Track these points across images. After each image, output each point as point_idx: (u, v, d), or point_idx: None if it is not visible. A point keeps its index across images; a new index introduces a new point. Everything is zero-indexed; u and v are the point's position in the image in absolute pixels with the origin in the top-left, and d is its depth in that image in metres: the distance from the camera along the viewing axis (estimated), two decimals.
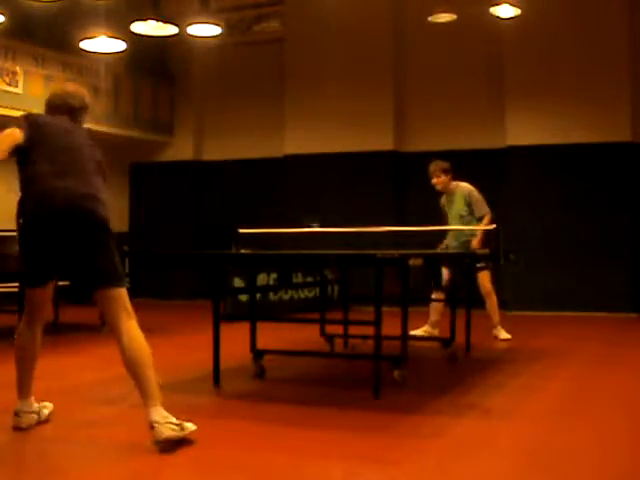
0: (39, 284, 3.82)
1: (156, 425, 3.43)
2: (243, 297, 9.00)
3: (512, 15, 9.51)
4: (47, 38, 10.85)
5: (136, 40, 9.66)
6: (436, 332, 7.51)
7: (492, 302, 7.59)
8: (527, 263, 9.66)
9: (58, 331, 8.07)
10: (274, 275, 10.15)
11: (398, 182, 11.91)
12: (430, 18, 10.22)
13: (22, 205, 3.75)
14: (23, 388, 3.86)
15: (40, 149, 3.72)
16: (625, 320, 10.00)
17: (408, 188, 11.81)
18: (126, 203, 13.73)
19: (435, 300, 7.54)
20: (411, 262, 4.50)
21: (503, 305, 8.42)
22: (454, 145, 11.41)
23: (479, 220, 7.44)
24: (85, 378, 5.54)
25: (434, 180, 7.67)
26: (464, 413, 4.34)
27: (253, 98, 12.87)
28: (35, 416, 3.88)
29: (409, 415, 4.29)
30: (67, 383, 5.26)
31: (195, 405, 4.55)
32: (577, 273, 10.62)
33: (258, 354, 5.48)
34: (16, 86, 10.53)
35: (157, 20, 9.08)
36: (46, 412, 3.97)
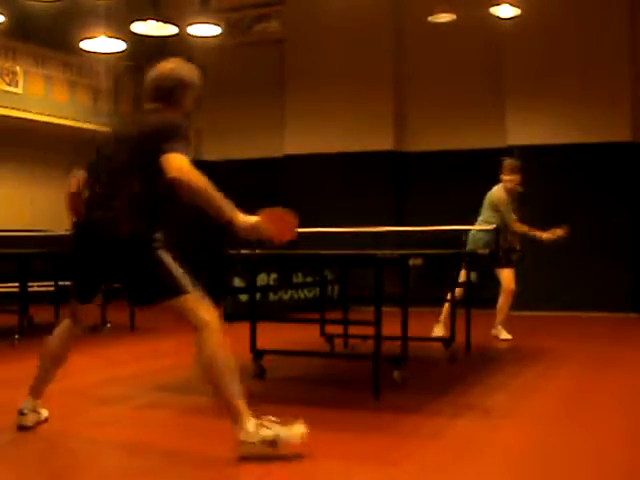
0: (86, 301, 3.75)
1: (240, 445, 3.29)
2: (243, 297, 8.99)
3: (512, 15, 9.52)
4: (47, 38, 10.86)
5: (136, 40, 9.67)
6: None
7: (507, 300, 7.56)
8: (527, 263, 9.65)
9: None
10: (274, 275, 10.15)
11: (398, 182, 11.91)
12: (430, 18, 10.23)
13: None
14: (39, 388, 3.79)
15: (90, 175, 3.70)
16: (625, 320, 10.00)
17: (408, 188, 11.82)
18: None
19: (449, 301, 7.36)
20: (411, 262, 4.50)
21: None
22: (454, 145, 11.43)
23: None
24: (86, 378, 5.53)
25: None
26: (464, 413, 4.34)
27: (253, 98, 12.87)
28: (38, 415, 3.83)
29: (409, 415, 4.29)
30: (67, 383, 5.26)
31: (195, 405, 4.55)
32: (577, 273, 10.61)
33: (258, 354, 5.48)
34: (16, 86, 10.54)
35: (157, 20, 9.09)
36: (45, 413, 3.91)
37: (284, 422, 3.34)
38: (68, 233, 3.80)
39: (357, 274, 6.55)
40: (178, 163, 3.33)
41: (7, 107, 10.36)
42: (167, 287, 3.46)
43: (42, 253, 8.63)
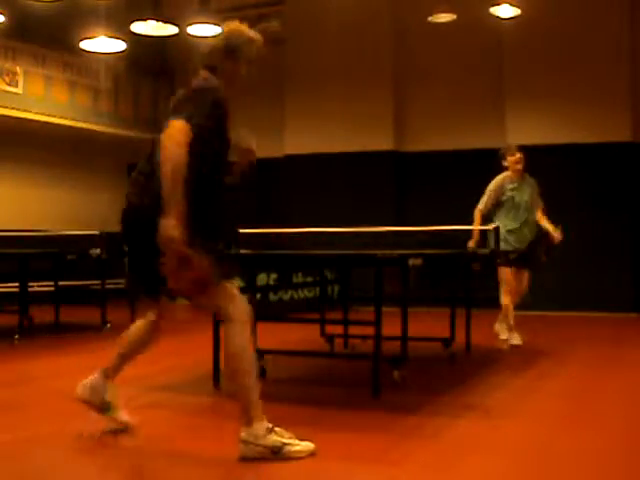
0: (148, 294, 3.65)
1: (242, 445, 3.24)
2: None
3: (512, 15, 9.52)
4: (47, 38, 10.86)
5: (136, 40, 9.67)
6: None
7: (504, 298, 7.52)
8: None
9: (58, 331, 8.08)
10: (274, 275, 10.15)
11: (398, 182, 11.92)
12: (430, 18, 10.23)
13: None
14: (116, 369, 3.71)
15: None
16: (625, 320, 10.00)
17: (408, 188, 11.82)
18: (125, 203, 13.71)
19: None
20: (411, 262, 4.50)
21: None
22: (454, 145, 11.43)
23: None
24: (86, 378, 5.52)
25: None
26: (464, 413, 4.34)
27: (253, 98, 12.85)
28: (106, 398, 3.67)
29: (409, 415, 4.28)
30: (67, 383, 5.25)
31: (195, 405, 4.55)
32: (577, 273, 10.61)
33: (258, 354, 5.46)
34: (16, 86, 10.54)
35: (157, 20, 9.10)
36: (125, 418, 3.71)
37: (296, 437, 3.33)
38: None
39: (357, 274, 6.56)
40: (172, 128, 3.18)
41: (7, 107, 10.36)
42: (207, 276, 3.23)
43: (42, 253, 8.63)
